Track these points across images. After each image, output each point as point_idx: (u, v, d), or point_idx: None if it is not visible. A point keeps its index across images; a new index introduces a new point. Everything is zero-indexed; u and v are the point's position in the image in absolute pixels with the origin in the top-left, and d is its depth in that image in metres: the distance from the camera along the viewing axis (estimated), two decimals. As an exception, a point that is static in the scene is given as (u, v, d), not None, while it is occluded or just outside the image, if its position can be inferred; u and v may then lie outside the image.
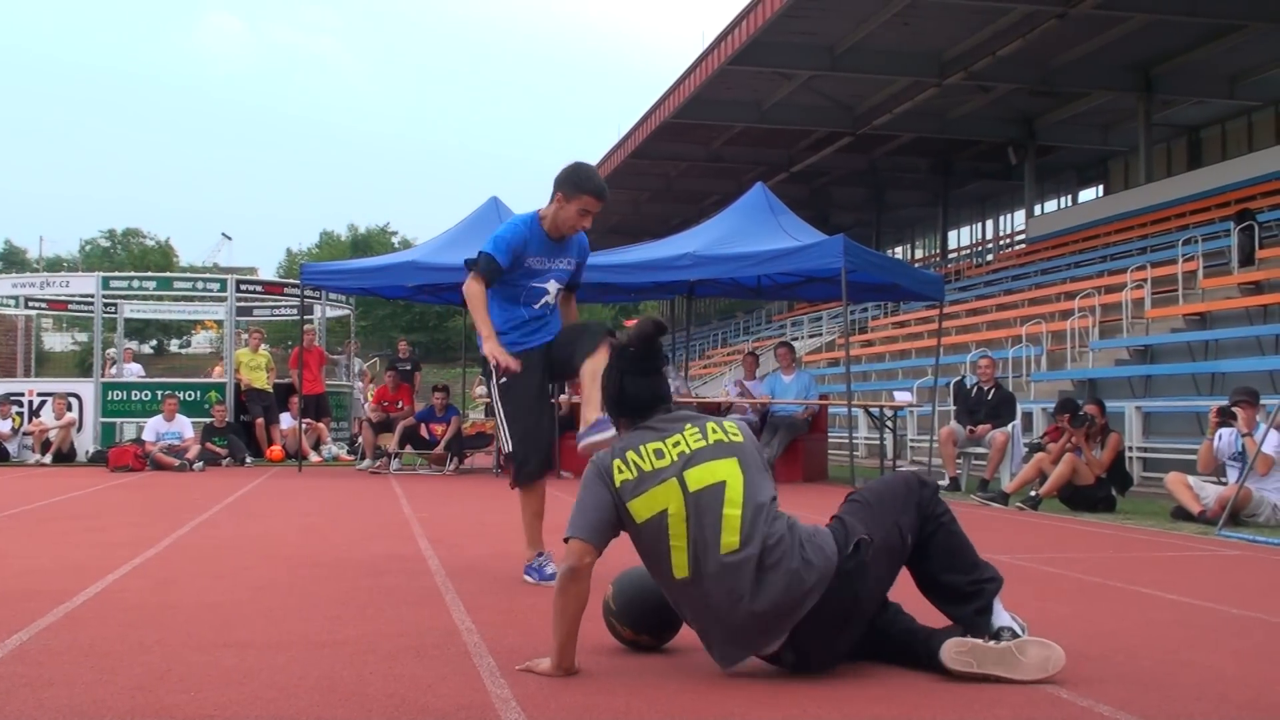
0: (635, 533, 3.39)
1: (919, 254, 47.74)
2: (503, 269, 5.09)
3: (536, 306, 5.25)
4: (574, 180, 5.07)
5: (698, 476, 3.37)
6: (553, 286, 5.27)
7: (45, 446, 15.59)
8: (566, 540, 3.39)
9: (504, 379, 5.07)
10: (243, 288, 18.71)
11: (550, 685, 3.28)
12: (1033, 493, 9.65)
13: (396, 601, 4.67)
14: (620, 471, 3.41)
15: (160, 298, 20.22)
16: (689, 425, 3.50)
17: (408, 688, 3.26)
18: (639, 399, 3.60)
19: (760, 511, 3.34)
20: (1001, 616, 3.50)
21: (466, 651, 3.71)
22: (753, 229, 13.00)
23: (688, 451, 3.42)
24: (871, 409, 14.48)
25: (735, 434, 3.52)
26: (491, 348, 4.97)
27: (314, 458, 16.10)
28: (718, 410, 13.31)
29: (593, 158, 56.08)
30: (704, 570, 3.28)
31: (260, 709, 3.04)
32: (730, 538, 3.29)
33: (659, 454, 3.42)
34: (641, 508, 3.36)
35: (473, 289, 5.13)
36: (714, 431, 3.50)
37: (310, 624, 4.18)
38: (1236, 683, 3.43)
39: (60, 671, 3.42)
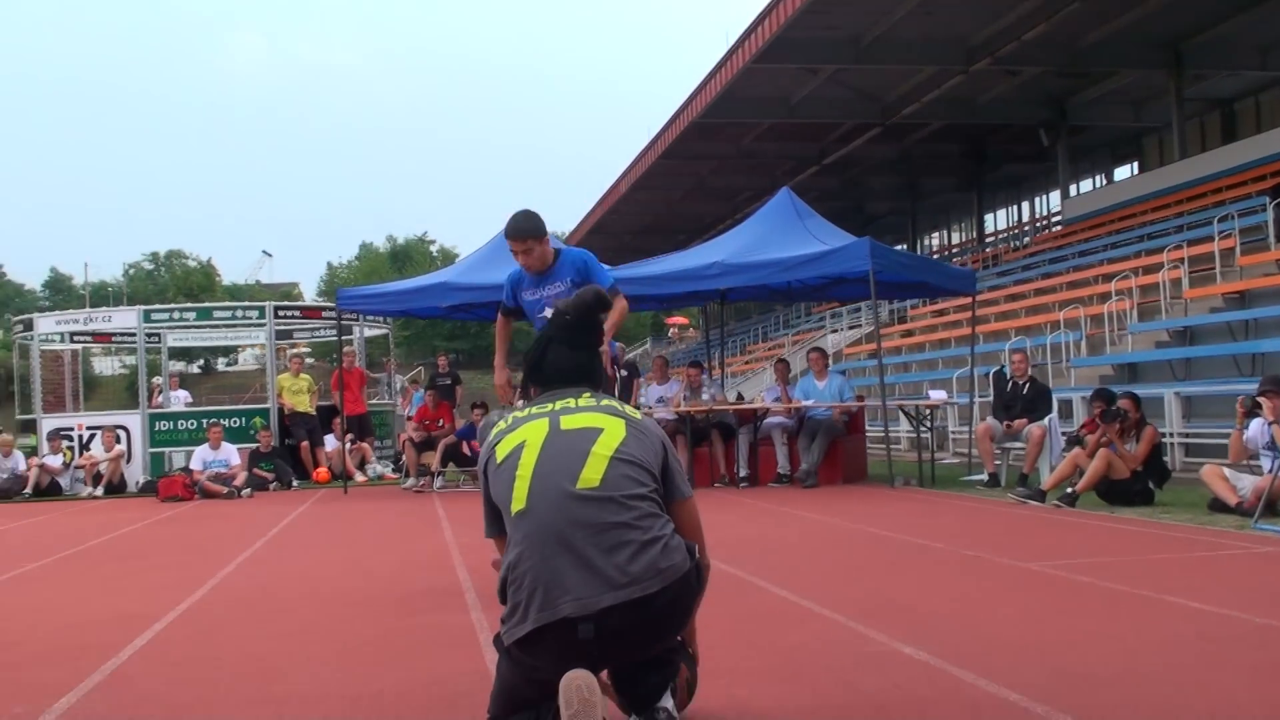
0: (493, 485, 3.19)
1: (955, 239, 47.52)
2: (508, 305, 6.12)
3: None
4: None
5: (573, 420, 3.16)
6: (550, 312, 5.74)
7: (96, 479, 15.89)
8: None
9: None
10: (281, 313, 18.95)
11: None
12: (1069, 489, 9.65)
13: (432, 644, 4.79)
14: (500, 425, 3.28)
15: (200, 327, 20.53)
16: (589, 394, 3.30)
17: (438, 743, 3.37)
18: (556, 369, 3.35)
19: (633, 474, 3.07)
20: (667, 699, 3.13)
21: (496, 700, 3.81)
22: (779, 235, 13.09)
23: (573, 405, 3.23)
24: (907, 408, 14.47)
25: (636, 414, 3.28)
26: (496, 379, 6.31)
27: (359, 477, 16.33)
28: (753, 416, 13.38)
29: (624, 159, 56.16)
30: (544, 500, 3.02)
31: (296, 772, 3.16)
32: (591, 474, 3.03)
33: (541, 408, 3.25)
34: (503, 448, 3.17)
35: (497, 324, 6.46)
36: (613, 403, 3.29)
37: (347, 674, 4.30)
38: (1248, 705, 3.48)
39: (106, 738, 3.55)
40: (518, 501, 3.05)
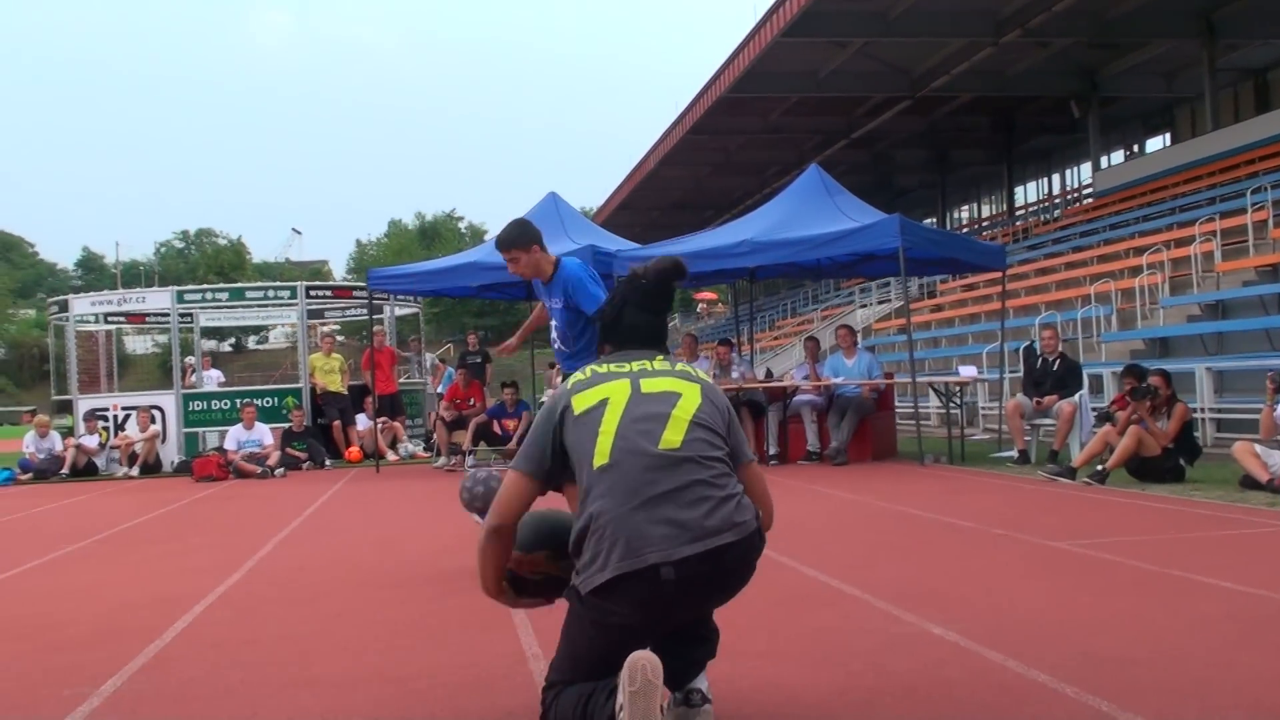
0: (569, 428, 3.25)
1: (985, 212, 47.24)
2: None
3: (559, 344, 6.07)
4: None
5: (652, 384, 3.30)
6: (554, 323, 6.06)
7: (132, 459, 16.08)
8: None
9: None
10: (312, 293, 19.07)
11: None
12: (1099, 466, 9.65)
13: (466, 625, 4.86)
14: (578, 376, 3.37)
15: (233, 307, 20.69)
16: (662, 356, 3.43)
17: (475, 725, 3.44)
18: (633, 330, 3.48)
19: (708, 438, 3.21)
20: (702, 680, 3.30)
21: (532, 682, 3.86)
22: (809, 212, 13.07)
23: (650, 368, 3.36)
24: (936, 385, 14.44)
25: (706, 378, 3.43)
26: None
27: (391, 456, 16.45)
28: (783, 394, 13.41)
29: (652, 135, 56.01)
30: (628, 457, 3.13)
31: (337, 755, 3.24)
32: (673, 437, 3.16)
33: (620, 366, 3.37)
34: (583, 400, 3.26)
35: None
36: (685, 367, 3.42)
37: (383, 655, 4.38)
38: (1276, 684, 3.51)
39: (152, 720, 3.64)
40: (601, 456, 3.15)
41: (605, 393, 3.26)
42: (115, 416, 17.05)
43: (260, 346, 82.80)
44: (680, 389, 3.29)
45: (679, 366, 3.40)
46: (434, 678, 3.99)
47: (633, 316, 3.48)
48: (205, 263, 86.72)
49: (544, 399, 18.73)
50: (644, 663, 2.86)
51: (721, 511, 3.09)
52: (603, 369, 3.36)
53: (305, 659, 4.38)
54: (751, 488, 3.31)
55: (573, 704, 3.10)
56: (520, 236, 5.85)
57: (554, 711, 3.16)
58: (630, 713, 2.81)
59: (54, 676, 4.25)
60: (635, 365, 3.36)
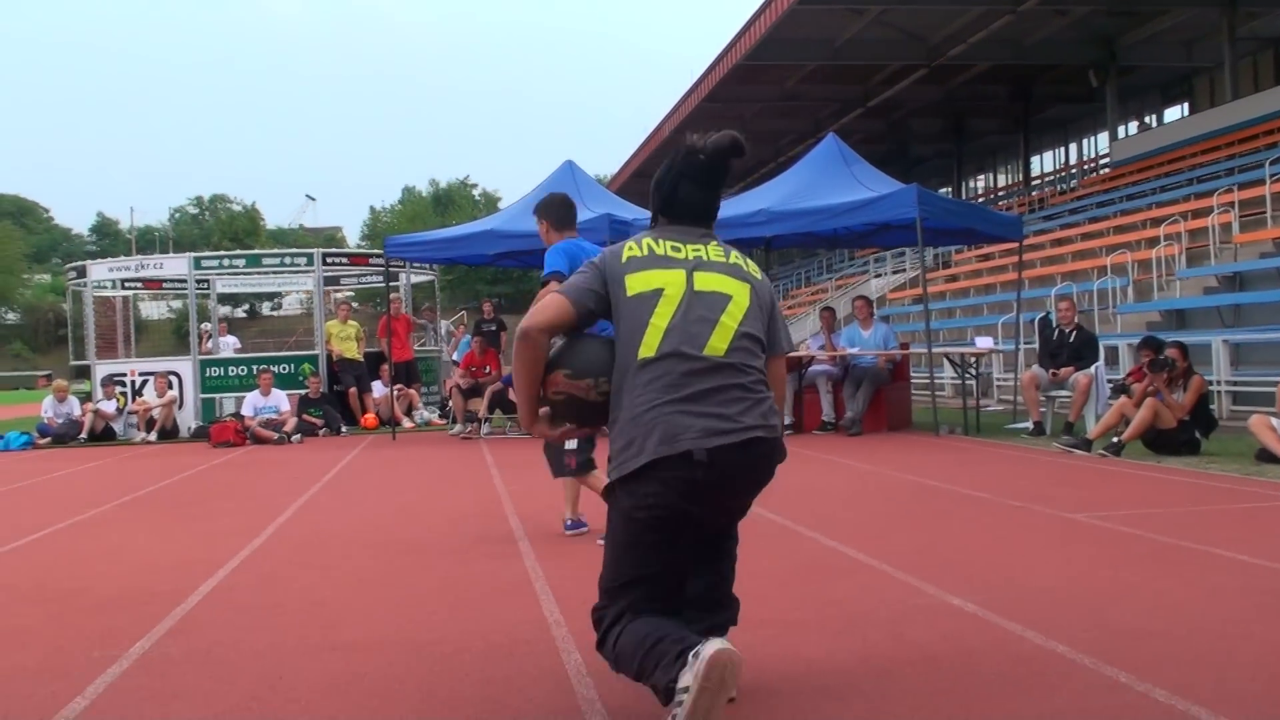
0: (619, 306, 3.27)
1: (1001, 181, 47.02)
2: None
3: None
4: None
5: (706, 280, 3.28)
6: None
7: (150, 424, 16.17)
8: None
9: None
10: (329, 260, 19.11)
11: (634, 690, 3.25)
12: (1115, 438, 9.66)
13: (489, 592, 4.92)
14: (632, 250, 3.33)
15: (250, 274, 20.73)
16: (715, 243, 3.39)
17: (500, 691, 3.48)
18: (687, 206, 3.41)
19: (751, 347, 3.26)
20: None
21: (555, 648, 3.92)
22: (826, 181, 13.05)
23: (705, 258, 3.32)
24: (952, 356, 14.43)
25: (757, 273, 3.42)
26: None
27: (407, 423, 16.51)
28: (799, 364, 13.42)
29: (667, 104, 55.64)
30: (672, 355, 3.16)
31: (365, 718, 3.29)
32: (718, 343, 3.20)
33: (676, 249, 3.33)
34: (638, 282, 3.26)
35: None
36: (737, 258, 3.40)
37: (409, 621, 4.43)
38: (1294, 658, 3.54)
39: (181, 682, 3.70)
40: (647, 349, 3.19)
41: (661, 281, 3.26)
42: (133, 382, 17.15)
43: (274, 313, 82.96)
44: (731, 290, 3.29)
45: (732, 258, 3.39)
46: (458, 643, 4.04)
47: (687, 191, 3.41)
48: (219, 229, 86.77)
49: None
50: (727, 660, 2.80)
51: (757, 410, 3.18)
52: (660, 249, 3.33)
53: (332, 624, 4.44)
54: (772, 375, 3.39)
55: (635, 645, 3.07)
56: (541, 208, 5.91)
57: (615, 645, 3.14)
58: (695, 705, 2.77)
59: (83, 638, 4.32)
60: (691, 251, 3.34)
